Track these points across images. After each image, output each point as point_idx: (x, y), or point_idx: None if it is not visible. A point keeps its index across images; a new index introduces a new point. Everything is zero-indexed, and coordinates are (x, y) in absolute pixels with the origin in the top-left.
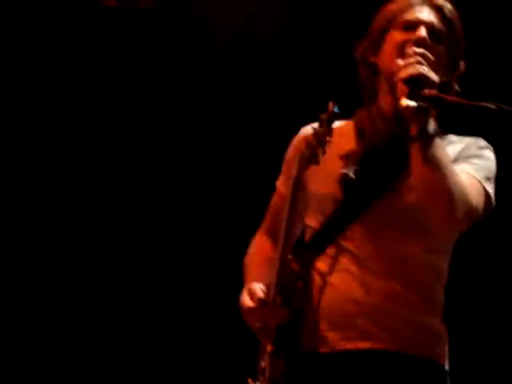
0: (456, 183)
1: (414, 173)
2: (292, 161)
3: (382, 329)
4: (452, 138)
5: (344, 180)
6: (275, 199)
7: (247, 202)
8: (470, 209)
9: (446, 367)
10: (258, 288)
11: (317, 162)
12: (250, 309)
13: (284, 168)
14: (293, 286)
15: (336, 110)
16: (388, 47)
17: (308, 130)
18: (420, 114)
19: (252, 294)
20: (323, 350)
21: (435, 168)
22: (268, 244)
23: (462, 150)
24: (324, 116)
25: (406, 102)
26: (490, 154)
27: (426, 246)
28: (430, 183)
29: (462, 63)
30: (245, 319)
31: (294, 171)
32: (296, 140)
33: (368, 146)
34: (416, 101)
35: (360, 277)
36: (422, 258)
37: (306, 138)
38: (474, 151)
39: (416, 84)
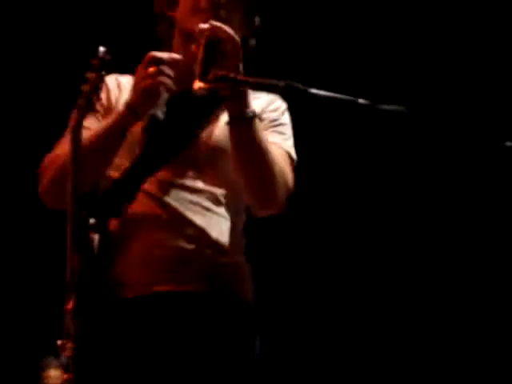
0: (275, 167)
1: (232, 156)
2: None
3: (188, 270)
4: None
5: (152, 120)
6: None
7: None
8: (289, 191)
9: (252, 304)
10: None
11: (92, 109)
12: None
13: None
14: (89, 239)
15: (106, 54)
16: (184, 2)
17: (111, 79)
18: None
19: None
20: (134, 294)
21: (250, 153)
22: None
23: (265, 110)
24: (95, 61)
25: (197, 84)
26: (287, 115)
27: (223, 192)
28: (249, 172)
29: (257, 18)
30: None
31: (72, 122)
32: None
33: (175, 91)
34: (207, 82)
35: (164, 221)
36: (220, 202)
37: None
38: (277, 115)
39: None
